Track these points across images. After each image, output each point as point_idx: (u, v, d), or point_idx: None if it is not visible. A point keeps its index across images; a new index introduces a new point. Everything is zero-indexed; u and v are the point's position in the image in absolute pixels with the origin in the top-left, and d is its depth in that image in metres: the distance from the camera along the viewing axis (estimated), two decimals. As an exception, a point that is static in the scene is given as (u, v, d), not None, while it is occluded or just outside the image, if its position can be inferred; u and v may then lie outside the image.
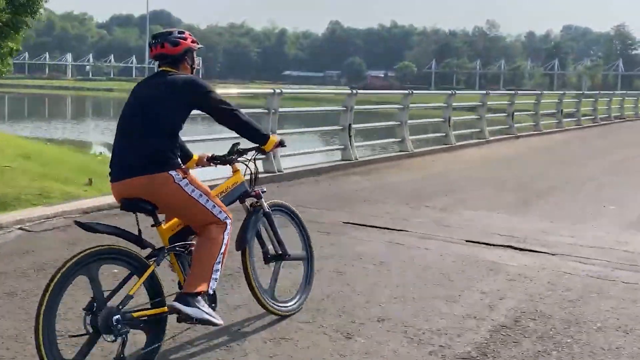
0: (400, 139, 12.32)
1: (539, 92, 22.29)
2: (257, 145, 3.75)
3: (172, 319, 3.32)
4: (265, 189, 3.96)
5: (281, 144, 3.83)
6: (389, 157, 11.80)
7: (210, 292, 3.42)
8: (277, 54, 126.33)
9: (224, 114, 3.52)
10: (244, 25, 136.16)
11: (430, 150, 13.03)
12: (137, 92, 3.52)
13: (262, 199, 3.91)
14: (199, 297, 3.36)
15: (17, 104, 57.42)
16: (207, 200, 3.42)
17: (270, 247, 3.98)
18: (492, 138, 15.46)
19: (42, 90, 78.44)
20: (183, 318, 3.33)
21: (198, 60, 3.82)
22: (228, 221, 3.49)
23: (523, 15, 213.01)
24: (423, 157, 12.03)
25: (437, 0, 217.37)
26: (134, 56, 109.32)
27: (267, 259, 3.98)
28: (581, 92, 30.63)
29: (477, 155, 12.98)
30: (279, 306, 3.96)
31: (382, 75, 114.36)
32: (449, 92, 15.13)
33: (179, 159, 3.45)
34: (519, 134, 16.68)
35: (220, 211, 3.47)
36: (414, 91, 14.03)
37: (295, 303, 4.06)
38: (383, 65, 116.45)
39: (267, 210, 3.94)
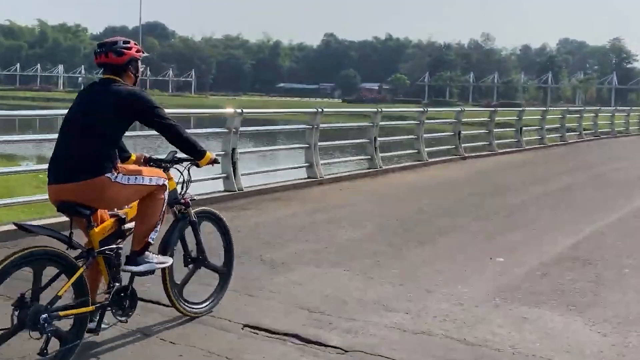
0: (369, 157, 12.25)
1: (493, 108, 20.61)
2: (193, 158, 3.98)
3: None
4: (194, 198, 4.27)
5: (215, 161, 4.04)
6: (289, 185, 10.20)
7: (151, 241, 3.76)
8: (271, 66, 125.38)
9: (165, 128, 3.73)
10: (240, 38, 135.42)
11: (354, 175, 11.67)
12: (80, 99, 3.68)
13: (190, 208, 4.15)
14: (146, 252, 3.74)
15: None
16: (143, 178, 3.70)
17: (192, 251, 4.23)
18: (433, 160, 14.11)
19: (33, 102, 77.37)
20: (139, 275, 3.76)
21: (142, 69, 3.91)
22: (165, 182, 3.84)
23: (519, 28, 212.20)
24: (339, 184, 10.70)
25: (433, 13, 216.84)
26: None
27: (187, 262, 4.24)
28: (546, 108, 28.05)
29: (401, 181, 11.63)
30: (189, 307, 4.22)
31: (377, 88, 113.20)
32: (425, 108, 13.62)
33: (117, 160, 3.64)
34: (466, 155, 15.31)
35: (158, 178, 3.79)
36: (383, 109, 13.42)
37: (205, 306, 4.32)
38: (377, 78, 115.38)
39: (193, 218, 4.19)
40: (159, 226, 3.81)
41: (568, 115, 22.65)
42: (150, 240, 3.76)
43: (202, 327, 4.17)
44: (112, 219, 3.80)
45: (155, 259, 3.81)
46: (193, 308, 4.26)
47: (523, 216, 8.42)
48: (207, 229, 4.46)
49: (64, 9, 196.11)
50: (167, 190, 3.85)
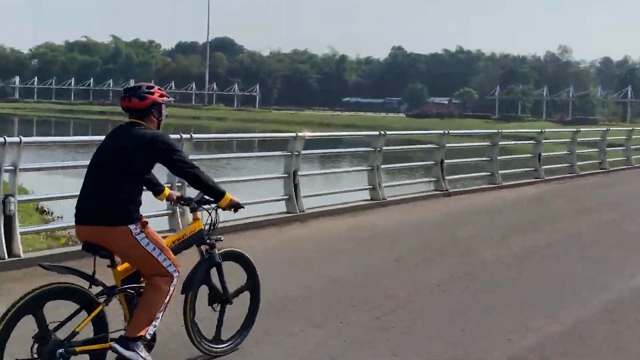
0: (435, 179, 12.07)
1: (575, 128, 17.89)
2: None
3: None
4: (222, 238, 4.28)
5: (237, 205, 4.08)
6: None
7: (148, 337, 3.77)
8: (336, 80, 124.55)
9: (184, 171, 3.89)
10: (307, 52, 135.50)
11: (418, 197, 11.02)
12: (108, 140, 3.89)
13: (215, 249, 4.24)
14: (139, 342, 3.72)
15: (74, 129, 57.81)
16: (160, 254, 3.77)
17: (217, 291, 4.29)
18: (508, 183, 12.32)
19: (105, 116, 79.36)
20: (122, 359, 3.70)
21: (166, 112, 4.03)
22: (176, 274, 3.85)
23: (600, 41, 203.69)
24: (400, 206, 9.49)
25: (508, 24, 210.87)
26: (193, 83, 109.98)
27: (211, 301, 4.31)
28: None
29: (465, 203, 9.99)
30: (208, 346, 4.28)
31: (446, 102, 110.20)
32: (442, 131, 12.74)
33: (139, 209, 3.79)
34: (502, 183, 13.23)
35: (170, 264, 3.82)
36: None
37: (227, 345, 4.38)
38: (446, 92, 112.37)
39: (218, 260, 4.26)
40: (158, 320, 3.79)
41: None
42: (147, 335, 3.74)
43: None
44: None
45: (143, 354, 3.73)
46: (213, 347, 4.31)
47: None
48: (234, 269, 4.49)
49: (137, 26, 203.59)
50: (174, 283, 3.85)
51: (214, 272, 4.29)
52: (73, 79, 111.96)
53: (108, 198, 3.63)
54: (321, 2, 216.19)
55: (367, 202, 10.48)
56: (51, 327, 3.44)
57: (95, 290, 3.66)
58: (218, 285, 4.30)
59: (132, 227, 3.65)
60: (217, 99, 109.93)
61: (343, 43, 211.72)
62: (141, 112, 3.84)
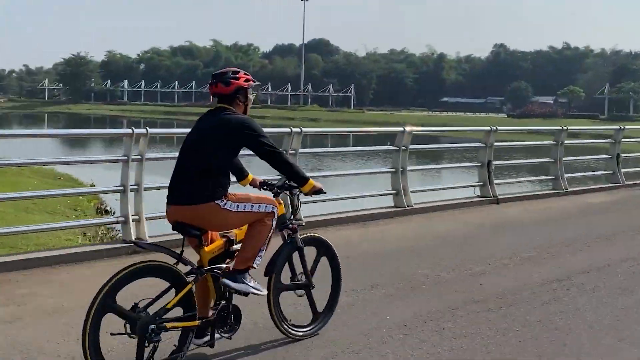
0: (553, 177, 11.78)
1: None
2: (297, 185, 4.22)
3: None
4: (303, 223, 4.93)
5: (320, 191, 4.16)
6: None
7: (255, 266, 4.02)
8: (434, 79, 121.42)
9: (269, 155, 3.97)
10: (405, 52, 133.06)
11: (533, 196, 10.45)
12: (197, 125, 4.05)
13: (297, 234, 4.33)
14: (246, 274, 3.98)
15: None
16: (252, 206, 3.97)
17: (299, 275, 4.41)
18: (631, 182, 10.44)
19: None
20: (232, 291, 3.94)
21: (253, 97, 4.08)
22: (275, 209, 4.07)
23: None
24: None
25: (619, 18, 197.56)
26: (289, 84, 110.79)
27: (294, 286, 4.42)
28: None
29: (584, 202, 8.31)
30: (292, 330, 4.38)
31: (551, 102, 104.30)
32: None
33: (228, 186, 3.94)
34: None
35: (267, 205, 4.04)
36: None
37: (310, 329, 4.46)
38: (552, 91, 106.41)
39: (300, 244, 4.35)
40: (263, 252, 4.02)
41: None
42: (254, 265, 3.99)
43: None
44: (222, 240, 4.05)
45: (252, 283, 3.97)
46: (297, 331, 4.38)
47: None
48: (313, 255, 4.54)
49: (237, 30, 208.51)
50: (276, 217, 4.05)
51: (296, 257, 4.38)
52: (177, 82, 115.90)
53: (196, 180, 3.79)
54: (418, 0, 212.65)
55: (479, 199, 10.34)
56: (143, 303, 3.59)
57: (184, 270, 3.79)
58: (300, 269, 4.39)
59: (218, 201, 3.82)
60: (312, 100, 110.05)
61: (441, 42, 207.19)
62: (227, 97, 3.96)
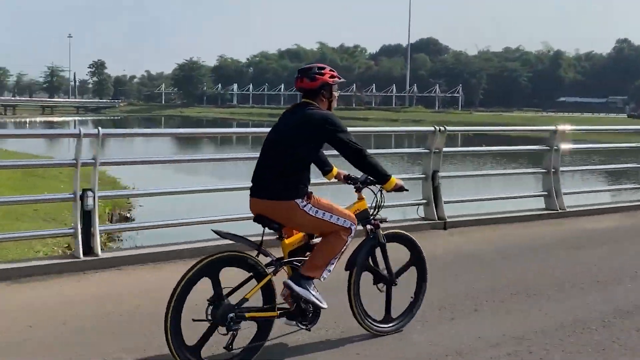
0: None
1: None
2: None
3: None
4: (387, 219, 4.54)
5: (402, 188, 4.18)
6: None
7: (322, 280, 3.99)
8: (550, 78, 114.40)
9: (350, 152, 3.98)
10: (520, 49, 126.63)
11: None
12: (281, 120, 4.09)
13: (379, 229, 4.35)
14: (311, 282, 3.96)
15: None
16: (331, 216, 3.98)
17: (382, 271, 4.41)
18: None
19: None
20: (293, 295, 3.92)
21: (337, 94, 4.13)
22: (353, 227, 4.07)
23: None
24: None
25: None
26: (394, 85, 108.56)
27: (376, 280, 4.42)
28: None
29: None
30: (374, 325, 4.38)
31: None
32: None
33: (308, 185, 3.96)
34: None
35: (345, 220, 4.03)
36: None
37: (392, 326, 4.45)
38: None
39: (382, 240, 4.36)
40: (333, 265, 4.00)
41: None
42: (322, 277, 3.97)
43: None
44: (302, 233, 4.09)
45: (314, 293, 3.93)
46: (377, 325, 4.38)
47: None
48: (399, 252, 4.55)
49: (343, 32, 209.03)
50: (352, 234, 4.05)
51: (378, 252, 4.39)
52: (283, 84, 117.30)
53: (278, 174, 3.83)
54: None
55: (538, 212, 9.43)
56: (224, 292, 3.71)
57: (264, 261, 3.87)
58: (382, 265, 4.37)
59: (298, 201, 3.85)
60: (417, 101, 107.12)
61: (559, 38, 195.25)
62: (312, 92, 4.01)
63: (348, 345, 4.23)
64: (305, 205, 3.86)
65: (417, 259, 4.57)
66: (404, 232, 4.60)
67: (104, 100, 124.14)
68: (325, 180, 4.68)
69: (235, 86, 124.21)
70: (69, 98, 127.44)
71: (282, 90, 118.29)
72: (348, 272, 4.23)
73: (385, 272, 4.38)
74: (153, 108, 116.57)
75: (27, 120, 71.11)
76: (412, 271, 4.58)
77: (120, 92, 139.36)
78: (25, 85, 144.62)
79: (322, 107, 4.01)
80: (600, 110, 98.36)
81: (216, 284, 3.68)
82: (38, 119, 74.75)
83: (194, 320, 3.66)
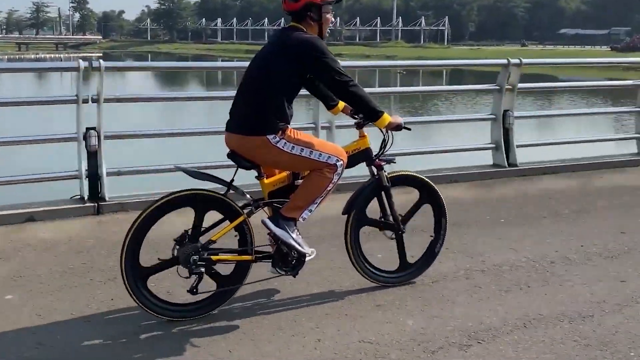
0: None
1: None
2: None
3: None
4: (395, 160, 3.97)
5: (399, 127, 3.69)
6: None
7: (301, 220, 3.55)
8: (550, 9, 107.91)
9: (336, 83, 3.46)
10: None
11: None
12: (263, 47, 3.61)
13: (382, 171, 3.92)
14: (292, 224, 3.52)
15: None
16: (311, 152, 3.49)
17: (389, 217, 3.98)
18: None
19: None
20: (271, 236, 3.56)
21: (330, 16, 3.55)
22: (339, 163, 3.56)
23: None
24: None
25: None
26: (378, 18, 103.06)
27: (381, 227, 4.02)
28: None
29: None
30: (375, 273, 4.00)
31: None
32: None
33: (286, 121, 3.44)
34: None
35: (330, 156, 3.53)
36: None
37: (398, 277, 4.05)
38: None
39: (386, 183, 3.92)
40: (315, 206, 3.57)
41: None
42: (301, 217, 3.55)
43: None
44: (285, 173, 3.70)
45: (294, 236, 3.54)
46: (379, 274, 4.03)
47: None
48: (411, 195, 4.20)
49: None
50: (339, 171, 3.58)
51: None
52: (266, 19, 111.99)
53: (251, 106, 3.43)
54: None
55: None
56: (191, 233, 3.45)
57: (243, 203, 3.59)
58: (388, 210, 3.97)
59: (270, 137, 3.40)
60: (401, 35, 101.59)
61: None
62: (296, 14, 3.48)
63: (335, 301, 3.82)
64: (278, 142, 3.38)
65: (429, 195, 4.05)
66: (415, 173, 4.09)
67: (80, 37, 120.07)
68: (349, 123, 4.35)
69: (219, 21, 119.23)
70: (53, 34, 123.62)
71: (265, 24, 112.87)
72: (345, 215, 3.84)
73: (390, 218, 3.92)
74: (134, 44, 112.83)
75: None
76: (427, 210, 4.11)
77: (110, 27, 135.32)
78: (14, 22, 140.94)
79: (310, 32, 3.45)
80: (602, 42, 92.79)
81: (196, 221, 3.39)
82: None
83: (159, 259, 3.48)
